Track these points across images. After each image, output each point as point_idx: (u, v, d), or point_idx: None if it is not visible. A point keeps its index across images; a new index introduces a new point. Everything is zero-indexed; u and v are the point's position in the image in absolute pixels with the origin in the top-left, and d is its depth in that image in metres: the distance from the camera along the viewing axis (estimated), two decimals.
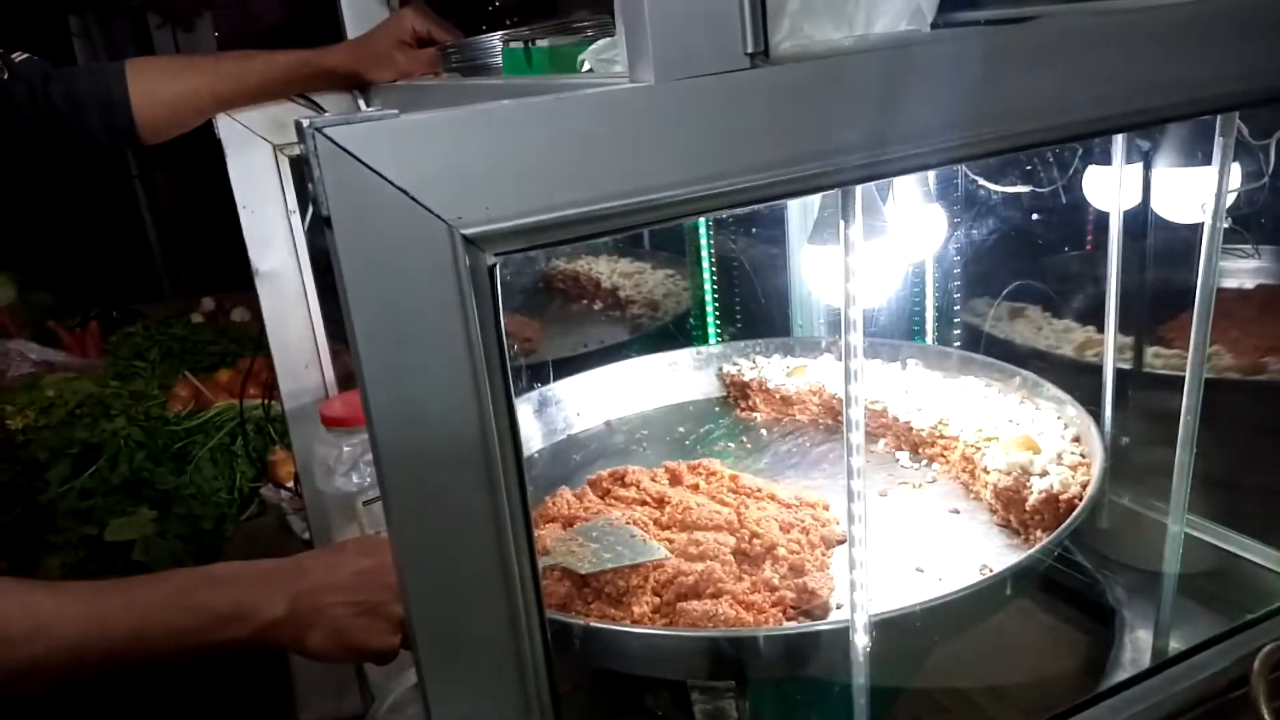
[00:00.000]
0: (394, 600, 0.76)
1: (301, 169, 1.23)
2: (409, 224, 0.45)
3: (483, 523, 0.49)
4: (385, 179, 0.44)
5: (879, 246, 0.92)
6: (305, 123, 0.42)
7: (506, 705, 0.54)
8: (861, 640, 0.68)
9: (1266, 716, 0.80)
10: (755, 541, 0.92)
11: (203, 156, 1.24)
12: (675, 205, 0.49)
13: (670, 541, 0.94)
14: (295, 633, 0.75)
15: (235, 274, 1.36)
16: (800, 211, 1.46)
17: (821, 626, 0.80)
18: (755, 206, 0.68)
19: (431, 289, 0.46)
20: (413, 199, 0.45)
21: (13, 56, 1.05)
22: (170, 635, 0.71)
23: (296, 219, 1.20)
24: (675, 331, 1.69)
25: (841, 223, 0.58)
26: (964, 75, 0.54)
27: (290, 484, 1.51)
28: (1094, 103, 0.59)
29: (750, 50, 0.49)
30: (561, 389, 1.34)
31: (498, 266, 0.48)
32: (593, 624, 0.77)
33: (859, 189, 0.58)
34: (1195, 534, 0.99)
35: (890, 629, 0.73)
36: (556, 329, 1.85)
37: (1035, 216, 1.35)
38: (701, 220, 1.57)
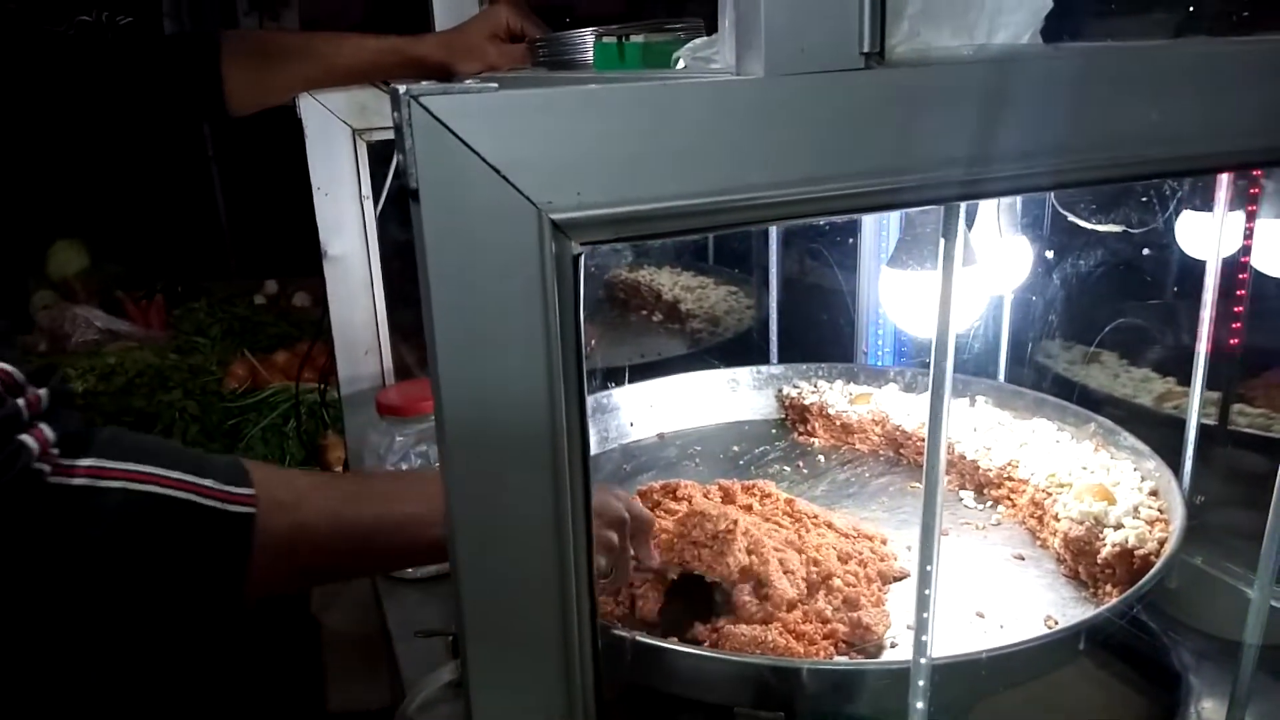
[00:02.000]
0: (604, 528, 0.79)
1: (379, 155, 1.23)
2: (497, 204, 0.43)
3: (544, 516, 0.47)
4: (478, 154, 0.42)
5: (965, 275, 0.89)
6: (402, 89, 0.41)
7: (551, 710, 0.52)
8: (923, 683, 0.65)
9: None
10: (813, 570, 0.89)
11: (279, 141, 1.24)
12: (773, 206, 0.47)
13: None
14: None
15: (301, 259, 1.37)
16: (874, 234, 1.43)
17: (881, 665, 0.77)
18: (855, 215, 0.65)
19: (514, 273, 0.44)
20: (504, 178, 0.43)
21: (117, 19, 1.07)
22: (410, 523, 0.72)
23: (369, 205, 1.20)
24: (735, 349, 1.66)
25: (942, 240, 0.55)
26: (1087, 94, 0.51)
27: (340, 469, 1.51)
28: (1219, 136, 0.56)
29: (866, 50, 0.46)
30: (618, 396, 1.32)
31: (583, 256, 0.46)
32: (640, 638, 0.75)
33: (963, 206, 0.55)
34: (1277, 605, 0.94)
35: (948, 674, 0.69)
36: (614, 337, 1.83)
37: (1122, 260, 1.30)
38: (772, 236, 1.55)
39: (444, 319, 0.44)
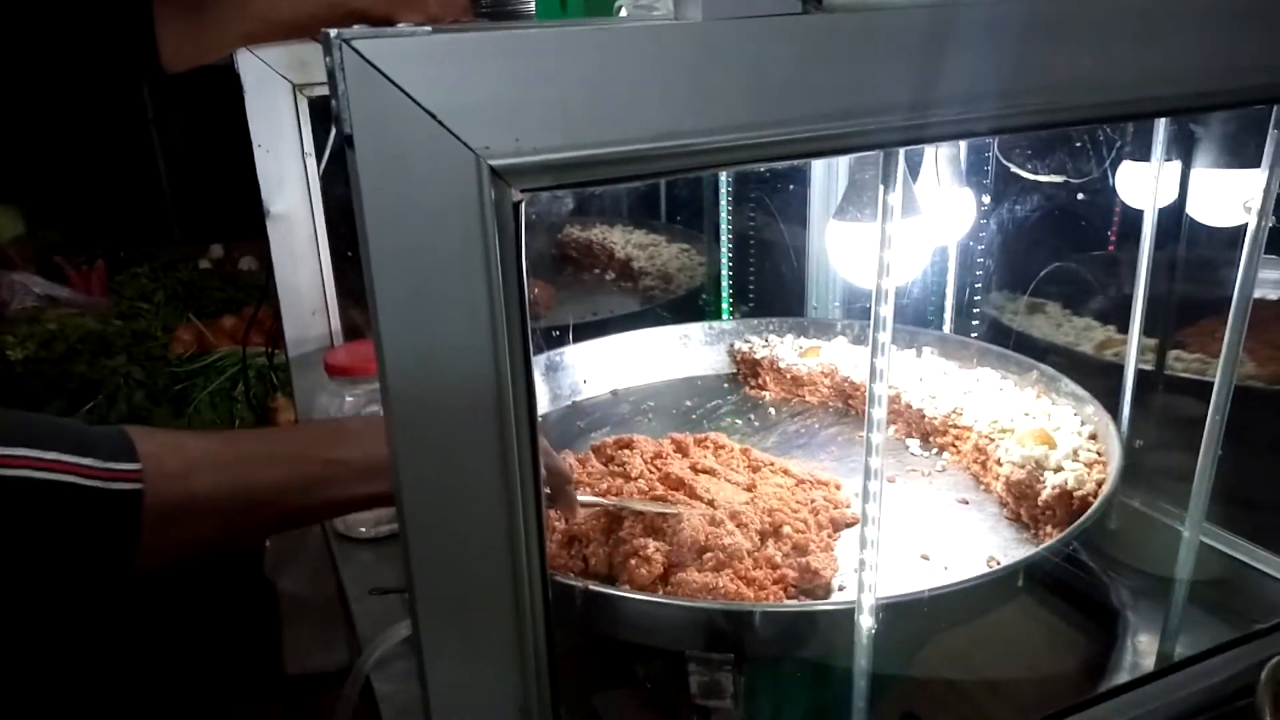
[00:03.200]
0: None
1: (321, 111, 1.20)
2: (434, 150, 0.43)
3: (492, 471, 0.47)
4: (412, 99, 0.42)
5: (910, 226, 0.90)
6: (333, 33, 0.40)
7: (504, 664, 0.52)
8: (866, 622, 0.67)
9: None
10: (766, 520, 0.90)
11: (220, 101, 1.21)
12: (713, 152, 0.47)
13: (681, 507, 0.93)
14: None
15: (245, 222, 1.34)
16: (823, 189, 1.44)
17: (825, 606, 0.78)
18: (792, 161, 0.65)
19: (454, 221, 0.44)
20: (440, 123, 0.42)
21: None
22: (310, 486, 0.70)
23: (312, 163, 1.18)
24: (687, 306, 1.67)
25: (881, 188, 0.55)
26: (1026, 39, 0.51)
27: None
28: (1155, 82, 0.57)
29: None
30: (570, 354, 1.32)
31: (523, 204, 0.46)
32: (592, 588, 0.76)
33: (902, 154, 0.56)
34: (1207, 541, 0.97)
35: (894, 614, 0.71)
36: (567, 295, 1.83)
37: (1063, 210, 1.33)
38: (722, 193, 1.55)
39: (383, 267, 0.44)
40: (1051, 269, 1.43)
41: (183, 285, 2.44)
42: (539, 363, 1.28)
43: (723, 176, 1.53)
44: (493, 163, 0.44)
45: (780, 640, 0.74)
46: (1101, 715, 0.77)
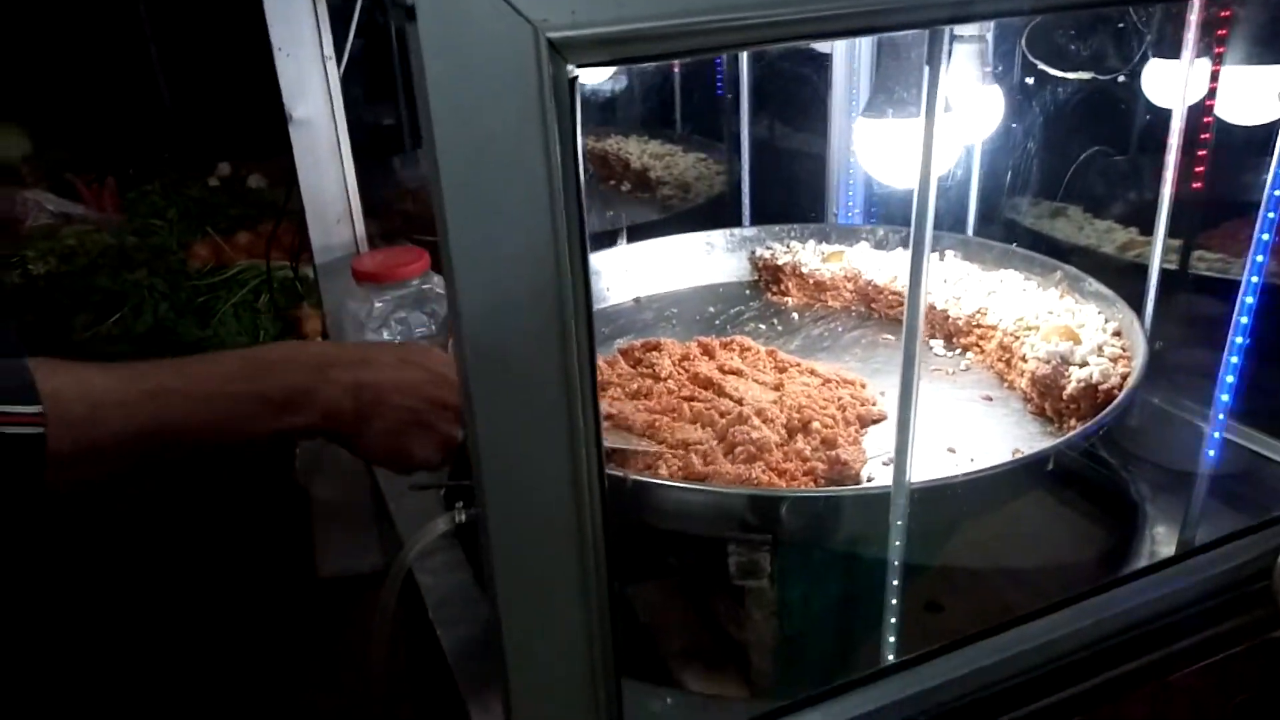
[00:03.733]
0: (450, 419, 0.77)
1: (339, 14, 1.19)
2: (493, 22, 0.43)
3: (552, 344, 0.49)
4: None
5: (941, 121, 0.89)
6: None
7: (564, 551, 0.55)
8: (898, 503, 0.69)
9: None
10: (794, 416, 0.92)
11: (219, 19, 1.19)
12: (764, 27, 0.47)
13: (710, 405, 0.94)
14: (352, 425, 0.73)
15: (251, 142, 1.32)
16: (844, 94, 1.42)
17: (858, 490, 0.81)
18: (844, 38, 0.65)
19: (512, 95, 0.44)
20: None
21: None
22: (226, 422, 0.69)
23: (333, 65, 1.17)
24: (706, 215, 1.66)
25: (927, 68, 0.55)
26: None
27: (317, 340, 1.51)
28: None
29: None
30: (593, 261, 1.32)
31: (578, 80, 0.46)
32: (639, 478, 0.78)
33: (948, 34, 0.55)
34: (1229, 436, 0.99)
35: (922, 500, 0.73)
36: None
37: (1087, 112, 1.31)
38: (744, 101, 1.53)
39: (445, 140, 0.44)
40: (1076, 171, 1.42)
41: (194, 202, 2.43)
42: None
43: (743, 84, 1.51)
44: (550, 35, 0.44)
45: (814, 525, 0.76)
46: (1123, 597, 0.80)
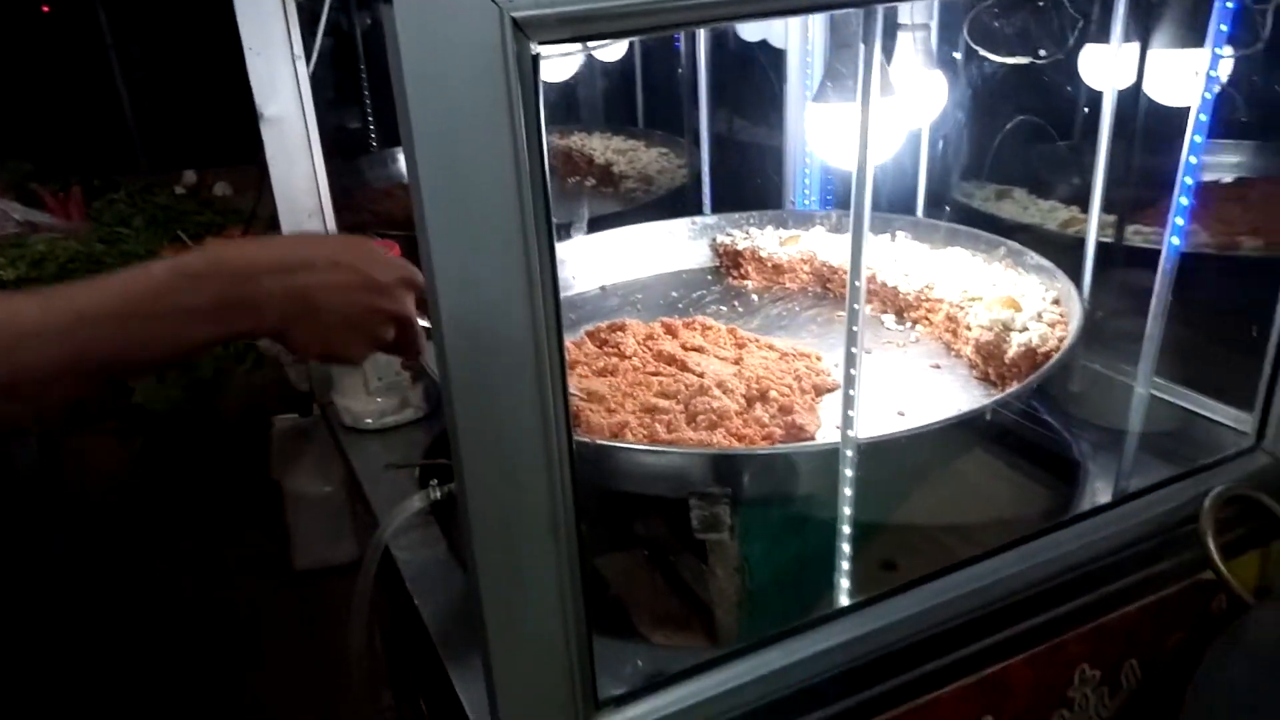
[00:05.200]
0: (381, 320, 0.77)
1: (307, 13, 1.22)
2: (462, 1, 0.47)
3: (521, 307, 0.53)
4: None
5: (885, 105, 0.95)
6: None
7: (537, 517, 0.59)
8: (846, 455, 0.74)
9: (1213, 549, 0.87)
10: (753, 386, 0.97)
11: (181, 29, 1.22)
12: (720, 5, 0.52)
13: (675, 380, 0.99)
14: (283, 327, 0.73)
15: (215, 150, 1.34)
16: (798, 85, 1.48)
17: (804, 447, 0.86)
18: (796, 13, 0.69)
19: (480, 72, 0.49)
20: None
21: None
22: (156, 339, 0.69)
23: (302, 64, 1.20)
24: (669, 206, 1.71)
25: (862, 45, 0.60)
26: None
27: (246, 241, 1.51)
28: None
29: None
30: (561, 250, 1.36)
31: (540, 58, 0.51)
32: (603, 443, 0.82)
33: (880, 14, 0.60)
34: (1161, 395, 1.06)
35: (868, 455, 0.77)
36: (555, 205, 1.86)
37: (1029, 97, 1.38)
38: (703, 96, 1.58)
39: (419, 114, 0.48)
40: (1019, 155, 1.49)
41: (161, 210, 2.44)
42: None
43: (701, 78, 1.56)
44: (515, 14, 0.48)
45: (768, 480, 0.81)
46: (1062, 540, 0.85)
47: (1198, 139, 0.88)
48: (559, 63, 1.78)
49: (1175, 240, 0.89)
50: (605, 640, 0.76)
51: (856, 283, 0.66)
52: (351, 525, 1.48)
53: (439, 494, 0.99)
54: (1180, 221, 0.88)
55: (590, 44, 1.50)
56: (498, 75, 0.49)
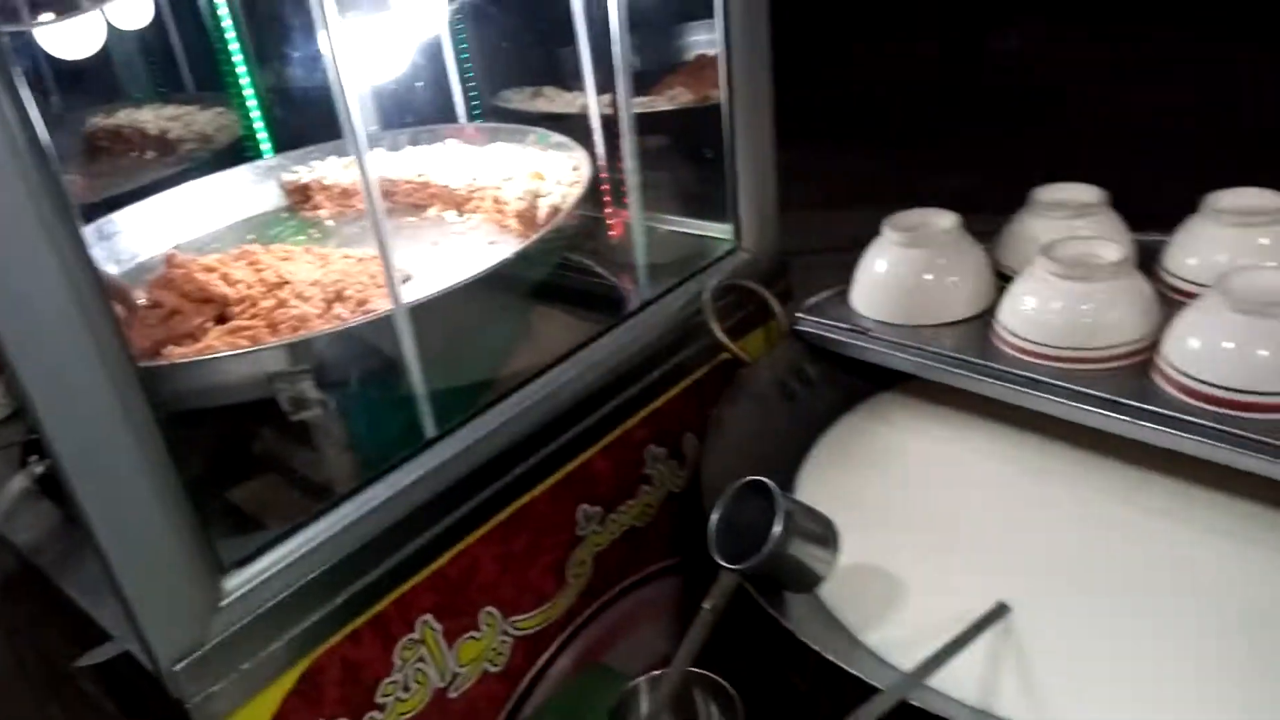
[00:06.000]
0: None
1: None
2: None
3: (58, 285, 0.62)
4: None
5: (376, 21, 1.06)
6: None
7: (120, 435, 0.66)
8: (400, 325, 0.87)
9: (716, 328, 1.11)
10: (329, 290, 1.07)
11: None
12: None
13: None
14: None
15: None
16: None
17: (361, 320, 0.98)
18: None
19: None
20: None
21: None
22: None
23: None
24: (234, 157, 1.71)
25: None
26: None
27: None
28: None
29: None
30: (119, 219, 1.36)
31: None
32: (179, 360, 0.89)
33: None
34: (670, 228, 1.30)
35: (420, 314, 0.92)
36: (109, 183, 1.78)
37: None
38: (234, 44, 1.60)
39: None
40: (544, 58, 1.67)
41: None
42: (87, 234, 1.30)
43: (228, 30, 1.58)
44: None
45: (338, 353, 0.92)
46: (607, 344, 1.05)
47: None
48: (79, 39, 1.70)
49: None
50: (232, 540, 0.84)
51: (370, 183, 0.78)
52: None
53: (41, 469, 1.00)
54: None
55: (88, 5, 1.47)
56: None
